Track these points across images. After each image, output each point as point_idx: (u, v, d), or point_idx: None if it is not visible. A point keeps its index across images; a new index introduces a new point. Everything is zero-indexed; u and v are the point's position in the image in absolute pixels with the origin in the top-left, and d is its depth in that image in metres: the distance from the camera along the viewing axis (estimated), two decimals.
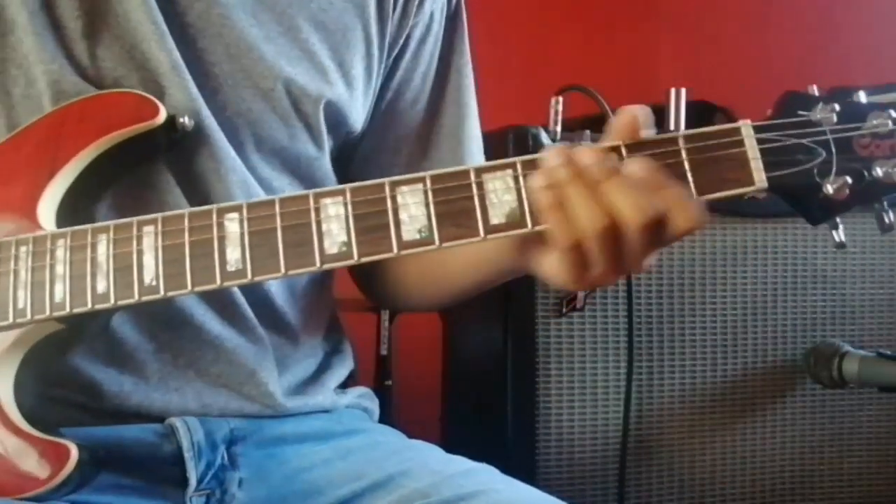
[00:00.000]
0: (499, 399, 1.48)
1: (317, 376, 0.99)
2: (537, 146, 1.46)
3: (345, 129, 0.97)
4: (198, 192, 0.86)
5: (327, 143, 0.95)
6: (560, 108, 1.50)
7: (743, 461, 1.55)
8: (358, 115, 0.97)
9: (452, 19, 1.05)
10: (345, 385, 1.04)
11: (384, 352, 2.14)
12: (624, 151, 0.72)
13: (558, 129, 1.48)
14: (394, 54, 1.00)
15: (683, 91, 1.69)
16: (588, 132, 1.50)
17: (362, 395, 1.05)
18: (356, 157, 1.02)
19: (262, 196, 0.89)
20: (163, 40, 0.83)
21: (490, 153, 1.05)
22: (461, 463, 0.93)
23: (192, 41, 0.86)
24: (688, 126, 1.68)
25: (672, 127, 1.68)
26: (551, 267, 0.75)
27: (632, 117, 0.72)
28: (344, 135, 0.98)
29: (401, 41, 1.00)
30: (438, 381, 1.80)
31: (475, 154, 1.04)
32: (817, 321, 1.57)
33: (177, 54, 0.84)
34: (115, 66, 0.84)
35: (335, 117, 0.95)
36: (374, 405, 1.06)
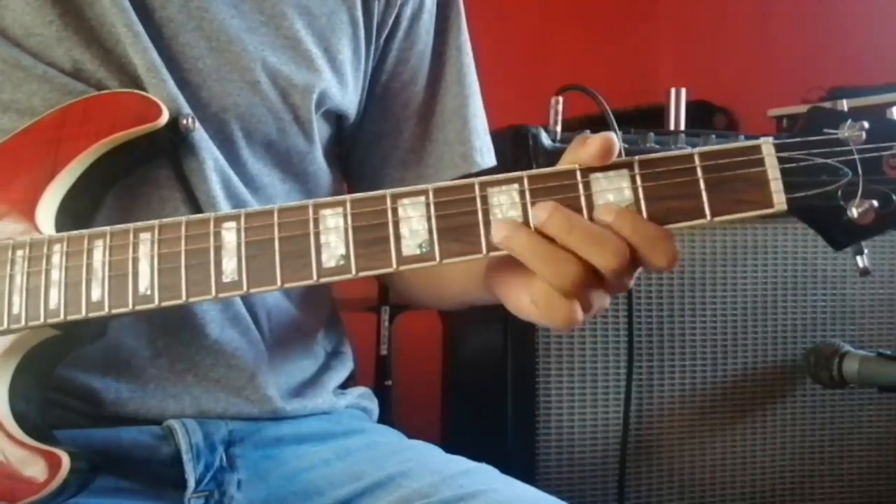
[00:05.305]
0: (499, 399, 1.48)
1: (316, 378, 0.99)
2: (537, 146, 1.46)
3: (336, 115, 0.96)
4: (187, 192, 0.85)
5: (318, 136, 0.94)
6: (560, 108, 1.49)
7: (743, 461, 1.55)
8: (349, 100, 0.96)
9: None
10: (344, 385, 1.04)
11: (384, 352, 2.13)
12: (579, 175, 0.70)
13: (558, 129, 1.48)
14: (384, 35, 0.98)
15: (683, 91, 1.69)
16: (588, 132, 1.49)
17: (362, 396, 1.04)
18: (358, 145, 1.02)
19: (246, 195, 0.89)
20: (137, 41, 0.82)
21: None
22: (461, 463, 0.92)
23: (174, 37, 0.85)
24: (687, 125, 1.68)
25: (672, 127, 1.68)
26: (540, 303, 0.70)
27: (606, 143, 0.70)
28: (336, 122, 0.97)
29: (390, 21, 0.98)
30: (438, 381, 1.80)
31: (480, 133, 1.02)
32: (817, 321, 1.57)
33: (153, 54, 0.82)
34: (97, 69, 0.83)
35: (325, 105, 0.93)
36: (373, 405, 1.06)
